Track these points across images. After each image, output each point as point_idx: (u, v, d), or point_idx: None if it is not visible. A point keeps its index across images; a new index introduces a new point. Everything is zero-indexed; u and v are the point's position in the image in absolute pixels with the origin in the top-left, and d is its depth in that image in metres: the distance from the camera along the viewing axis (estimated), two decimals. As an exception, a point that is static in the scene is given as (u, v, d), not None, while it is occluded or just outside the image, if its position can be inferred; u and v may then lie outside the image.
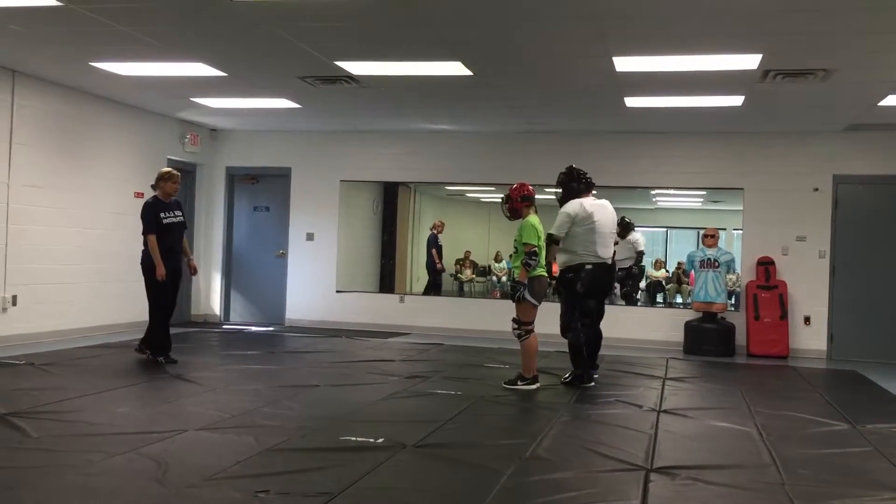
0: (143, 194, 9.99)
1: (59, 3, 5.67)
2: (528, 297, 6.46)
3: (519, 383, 6.60)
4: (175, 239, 7.40)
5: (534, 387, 6.60)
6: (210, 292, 11.64)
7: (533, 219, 6.59)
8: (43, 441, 4.45)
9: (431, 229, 14.59)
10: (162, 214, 7.28)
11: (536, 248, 6.43)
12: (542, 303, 6.61)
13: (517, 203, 6.65)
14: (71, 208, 8.98)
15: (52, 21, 6.20)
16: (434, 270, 14.37)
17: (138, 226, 7.30)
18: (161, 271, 7.13)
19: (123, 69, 7.80)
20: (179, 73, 7.84)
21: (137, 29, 6.33)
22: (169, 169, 7.54)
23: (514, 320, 6.60)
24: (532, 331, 6.57)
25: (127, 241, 7.76)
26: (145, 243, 7.24)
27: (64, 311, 8.84)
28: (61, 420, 4.95)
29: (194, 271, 7.73)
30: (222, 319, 11.59)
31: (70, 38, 6.72)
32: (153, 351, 7.38)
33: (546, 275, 6.64)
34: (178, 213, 7.45)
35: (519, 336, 6.59)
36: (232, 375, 6.85)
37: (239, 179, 11.72)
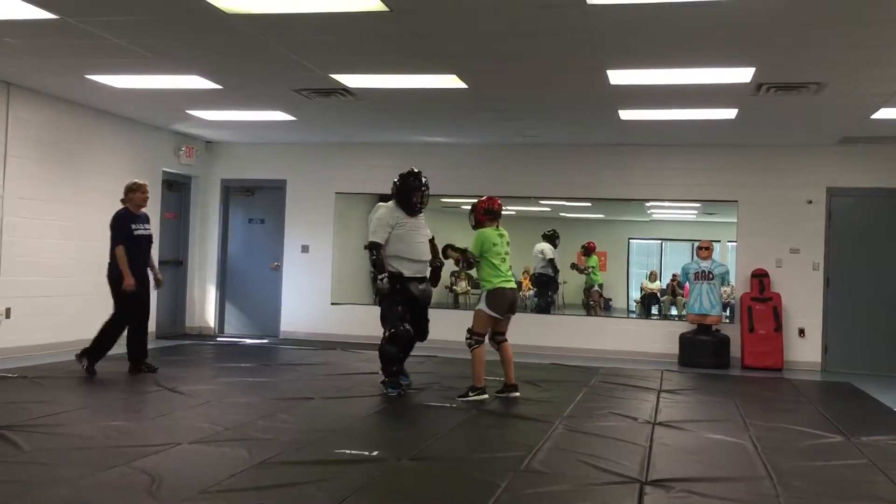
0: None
1: (54, 16, 5.68)
2: (484, 308, 6.58)
3: (471, 394, 6.60)
4: (145, 252, 7.42)
5: (483, 397, 6.59)
6: (204, 305, 11.61)
7: (488, 231, 6.77)
8: (35, 454, 4.43)
9: None
10: (133, 226, 7.28)
11: (476, 258, 6.69)
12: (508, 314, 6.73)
13: (479, 215, 6.91)
14: (65, 220, 8.96)
15: (47, 34, 6.20)
16: None
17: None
18: (130, 281, 7.12)
19: (118, 81, 7.80)
20: (174, 85, 7.85)
21: (132, 41, 6.34)
22: (136, 180, 7.52)
23: (468, 330, 6.70)
24: (482, 341, 6.64)
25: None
26: (112, 255, 7.22)
27: (58, 323, 8.80)
28: (54, 433, 4.93)
29: (160, 284, 7.66)
30: (216, 332, 11.55)
31: (65, 50, 6.73)
32: (133, 360, 7.44)
33: (509, 287, 6.67)
34: (147, 226, 7.47)
35: (469, 345, 6.64)
36: (226, 388, 6.84)
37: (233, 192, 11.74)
